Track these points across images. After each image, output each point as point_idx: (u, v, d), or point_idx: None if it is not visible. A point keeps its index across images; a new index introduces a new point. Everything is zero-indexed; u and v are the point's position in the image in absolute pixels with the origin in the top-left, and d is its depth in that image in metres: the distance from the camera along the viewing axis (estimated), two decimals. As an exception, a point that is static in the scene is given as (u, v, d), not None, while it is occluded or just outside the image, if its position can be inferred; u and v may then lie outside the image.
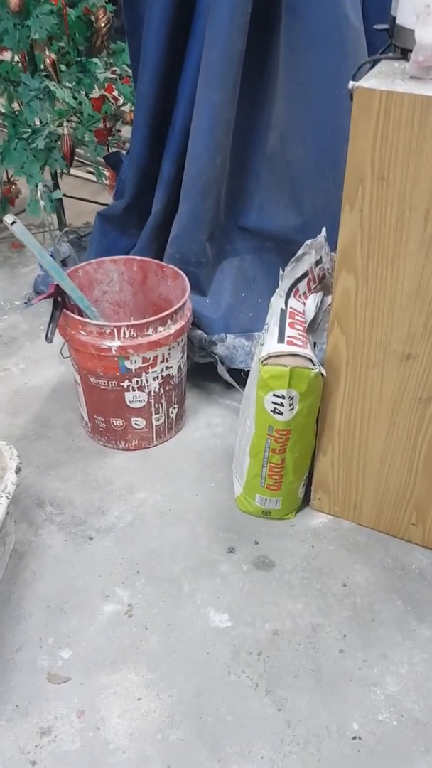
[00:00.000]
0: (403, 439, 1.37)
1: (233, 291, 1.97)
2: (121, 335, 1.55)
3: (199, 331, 1.89)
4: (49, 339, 1.59)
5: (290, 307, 1.35)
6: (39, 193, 1.42)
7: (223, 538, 1.55)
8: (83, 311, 1.66)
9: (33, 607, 1.41)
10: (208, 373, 1.97)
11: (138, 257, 1.84)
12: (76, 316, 1.58)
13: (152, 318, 1.56)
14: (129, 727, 1.21)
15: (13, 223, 1.45)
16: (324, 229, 1.36)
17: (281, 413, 1.35)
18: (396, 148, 1.03)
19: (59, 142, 2.32)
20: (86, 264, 1.80)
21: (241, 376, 1.87)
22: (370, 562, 1.49)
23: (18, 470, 1.44)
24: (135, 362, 1.60)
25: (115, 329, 1.55)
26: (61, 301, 1.61)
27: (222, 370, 1.88)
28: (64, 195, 2.72)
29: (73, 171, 3.31)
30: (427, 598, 1.42)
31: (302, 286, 1.38)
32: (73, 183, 3.27)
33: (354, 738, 1.19)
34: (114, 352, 1.56)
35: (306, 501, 1.62)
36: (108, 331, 1.55)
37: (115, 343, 1.56)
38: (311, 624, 1.37)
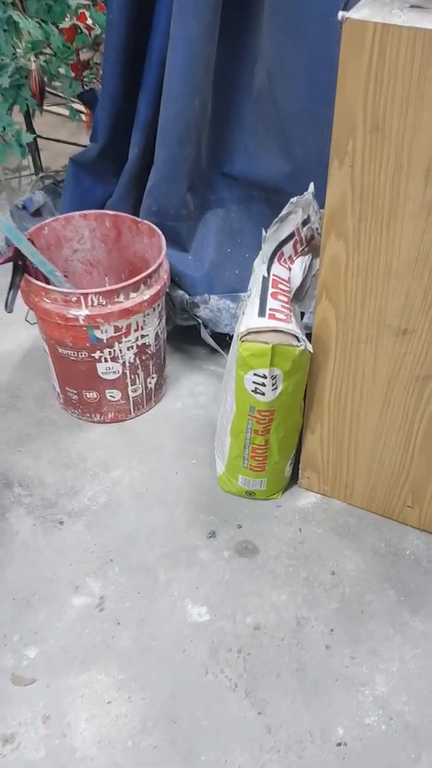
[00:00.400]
0: (398, 419, 1.24)
1: (218, 246, 1.80)
2: (89, 303, 1.41)
3: (181, 292, 1.74)
4: (8, 308, 1.45)
5: (273, 275, 1.20)
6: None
7: (204, 521, 1.44)
8: (47, 276, 1.51)
9: (-2, 600, 1.31)
10: (191, 335, 1.83)
11: (110, 212, 1.67)
12: (39, 282, 1.43)
13: (123, 284, 1.41)
14: (97, 733, 1.13)
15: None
16: (312, 185, 1.20)
17: (263, 393, 1.21)
18: (393, 93, 0.86)
19: (28, 80, 2.11)
20: (53, 220, 1.64)
21: (226, 341, 1.73)
22: (362, 547, 1.38)
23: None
24: (106, 332, 1.45)
25: (82, 297, 1.40)
26: (21, 265, 1.45)
27: (205, 334, 1.74)
28: (39, 136, 2.51)
29: (52, 108, 3.08)
30: (422, 587, 1.32)
31: (288, 249, 1.22)
32: (53, 121, 3.04)
33: (339, 744, 1.11)
34: (82, 322, 1.42)
35: (294, 479, 1.50)
36: (74, 298, 1.40)
37: (83, 312, 1.41)
38: (296, 617, 1.27)
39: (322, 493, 1.48)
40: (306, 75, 1.54)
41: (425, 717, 1.13)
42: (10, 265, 1.46)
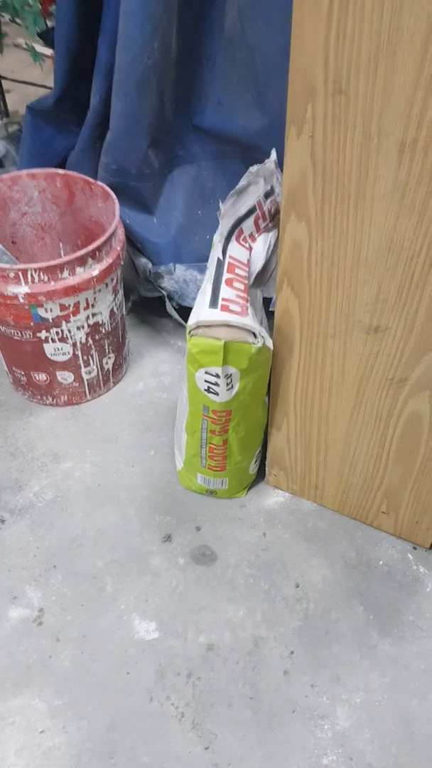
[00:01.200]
0: (370, 423, 1.09)
1: (186, 209, 1.62)
2: (30, 279, 1.24)
3: (144, 260, 1.57)
4: None
5: (230, 256, 1.03)
6: None
7: (159, 523, 1.31)
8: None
9: None
10: (158, 306, 1.66)
11: (61, 171, 1.48)
12: (-28, 255, 1.26)
13: (66, 258, 1.23)
14: (27, 768, 1.02)
15: None
16: (274, 152, 1.02)
17: (217, 393, 1.06)
18: (358, 48, 0.68)
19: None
20: (-4, 180, 1.45)
21: (194, 315, 1.56)
22: (330, 556, 1.25)
23: None
24: (51, 311, 1.29)
25: (20, 272, 1.23)
26: None
27: (170, 308, 1.58)
28: (3, 78, 2.28)
29: (19, 41, 2.82)
30: (395, 604, 1.19)
31: (248, 225, 1.05)
32: (24, 59, 2.79)
33: (292, 787, 1.00)
34: (22, 300, 1.26)
35: (261, 475, 1.37)
36: (12, 275, 1.23)
37: (23, 289, 1.24)
38: (254, 636, 1.15)
39: (290, 492, 1.35)
40: (283, 14, 1.33)
41: (389, 758, 1.02)
42: None
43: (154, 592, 1.21)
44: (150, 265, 1.56)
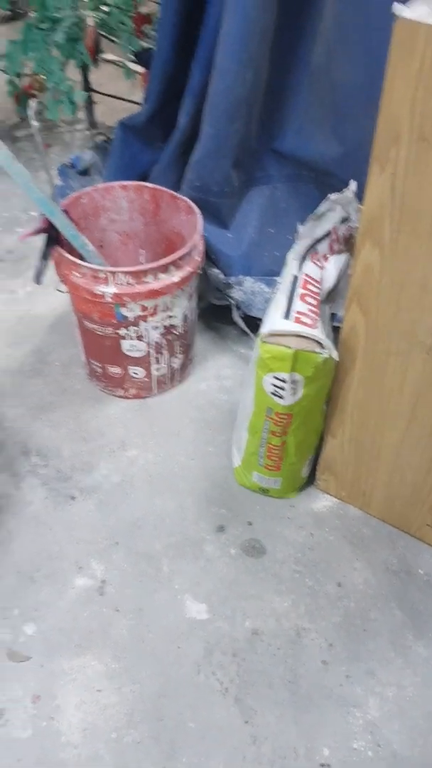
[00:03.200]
0: (424, 437, 1.17)
1: (259, 226, 1.73)
2: (117, 281, 1.36)
3: (216, 270, 1.68)
4: (37, 280, 1.41)
5: (304, 274, 1.14)
6: (30, 113, 1.19)
7: (214, 514, 1.41)
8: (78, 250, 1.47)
9: (3, 572, 1.31)
10: (224, 314, 1.77)
11: (150, 185, 1.61)
12: (69, 256, 1.39)
13: (152, 264, 1.35)
14: (84, 720, 1.13)
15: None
16: (353, 183, 1.11)
17: (282, 397, 1.16)
18: (442, 101, 0.78)
19: (84, 34, 2.03)
20: (92, 189, 1.58)
21: (257, 324, 1.66)
22: (373, 561, 1.34)
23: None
24: (133, 310, 1.41)
25: (110, 274, 1.35)
26: (54, 237, 1.41)
27: (237, 317, 1.68)
28: (93, 91, 2.44)
29: (111, 57, 2.98)
30: (431, 610, 1.27)
31: (323, 247, 1.15)
32: (112, 72, 2.95)
33: (322, 765, 1.09)
34: (109, 299, 1.38)
35: (312, 479, 1.46)
36: (102, 275, 1.36)
37: (110, 290, 1.37)
38: (296, 627, 1.24)
39: (338, 498, 1.43)
40: (367, 56, 1.43)
41: (415, 748, 1.10)
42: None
43: (206, 577, 1.31)
44: (222, 276, 1.67)
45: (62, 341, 1.80)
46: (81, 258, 1.46)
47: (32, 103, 1.19)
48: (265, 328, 1.12)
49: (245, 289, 1.65)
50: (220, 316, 1.81)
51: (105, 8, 2.15)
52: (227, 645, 1.22)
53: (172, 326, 1.50)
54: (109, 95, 2.57)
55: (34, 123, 1.17)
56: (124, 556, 1.34)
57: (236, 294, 1.66)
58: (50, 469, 1.49)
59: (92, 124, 2.50)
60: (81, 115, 2.68)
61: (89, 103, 2.45)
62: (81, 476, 1.48)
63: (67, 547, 1.36)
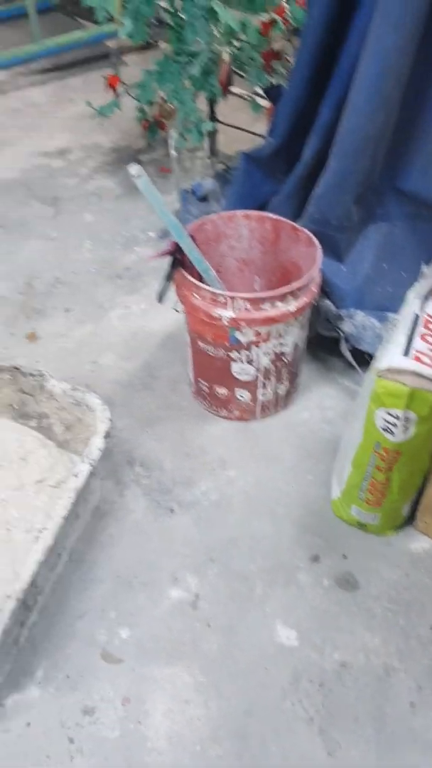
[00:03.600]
0: None
1: (375, 261, 1.75)
2: (235, 306, 1.41)
3: (328, 302, 1.71)
4: (160, 299, 1.49)
5: (427, 314, 1.15)
6: (171, 142, 1.27)
7: (309, 543, 1.43)
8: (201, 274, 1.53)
9: (104, 575, 1.37)
10: (330, 345, 1.79)
11: (272, 216, 1.66)
12: (192, 279, 1.45)
13: (271, 293, 1.40)
14: (170, 729, 1.17)
15: (139, 176, 1.31)
16: None
17: (393, 433, 1.17)
18: None
19: (218, 68, 2.12)
20: (216, 217, 1.65)
21: (365, 358, 1.67)
22: (469, 608, 1.31)
23: (107, 435, 1.38)
24: (247, 335, 1.46)
25: (229, 299, 1.41)
26: (179, 260, 1.48)
27: (345, 349, 1.70)
28: (218, 121, 2.53)
29: (235, 89, 3.08)
30: None
31: (447, 288, 1.16)
32: (234, 104, 3.04)
33: (405, 809, 1.07)
34: (225, 322, 1.43)
35: (411, 518, 1.45)
36: (222, 299, 1.41)
37: (228, 313, 1.42)
38: (385, 665, 1.24)
39: (437, 540, 1.42)
40: None
41: None
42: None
43: (298, 604, 1.32)
44: (333, 308, 1.70)
45: (171, 358, 1.86)
46: (201, 281, 1.52)
47: (173, 133, 1.26)
48: (382, 363, 1.14)
49: (356, 322, 1.67)
50: (327, 347, 1.83)
51: (237, 44, 2.24)
52: (315, 674, 1.22)
53: (283, 353, 1.54)
54: (232, 126, 2.66)
55: (173, 153, 1.24)
56: (218, 573, 1.37)
57: (346, 327, 1.68)
58: (152, 481, 1.55)
59: (213, 152, 2.58)
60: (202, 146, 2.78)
61: (212, 133, 2.54)
62: (181, 490, 1.53)
63: (164, 557, 1.40)
